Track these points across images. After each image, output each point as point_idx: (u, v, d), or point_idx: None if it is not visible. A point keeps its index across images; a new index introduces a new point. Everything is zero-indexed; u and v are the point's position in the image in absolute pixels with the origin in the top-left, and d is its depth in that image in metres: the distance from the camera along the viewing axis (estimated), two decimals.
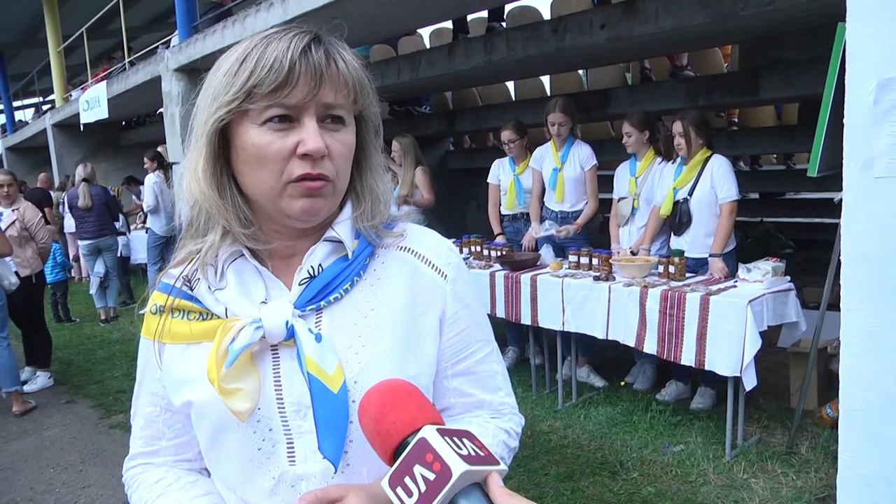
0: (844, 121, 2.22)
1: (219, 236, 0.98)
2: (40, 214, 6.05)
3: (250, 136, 0.92)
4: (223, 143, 0.96)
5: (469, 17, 7.76)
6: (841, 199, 2.28)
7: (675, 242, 4.57)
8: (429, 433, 0.73)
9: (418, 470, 0.71)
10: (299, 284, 0.99)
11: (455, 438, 0.74)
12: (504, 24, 6.91)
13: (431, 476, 0.70)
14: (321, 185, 0.93)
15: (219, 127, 0.93)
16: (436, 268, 1.06)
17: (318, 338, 0.95)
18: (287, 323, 0.94)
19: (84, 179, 8.21)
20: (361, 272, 1.02)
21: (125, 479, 1.13)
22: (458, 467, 0.69)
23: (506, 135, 5.53)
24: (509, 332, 5.65)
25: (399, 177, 6.07)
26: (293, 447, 0.96)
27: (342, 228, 1.01)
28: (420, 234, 1.10)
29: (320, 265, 1.00)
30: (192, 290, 1.00)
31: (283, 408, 0.96)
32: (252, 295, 0.98)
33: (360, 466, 0.96)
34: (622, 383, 5.02)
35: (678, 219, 4.50)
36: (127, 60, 10.99)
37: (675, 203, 4.50)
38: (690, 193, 4.41)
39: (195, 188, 0.96)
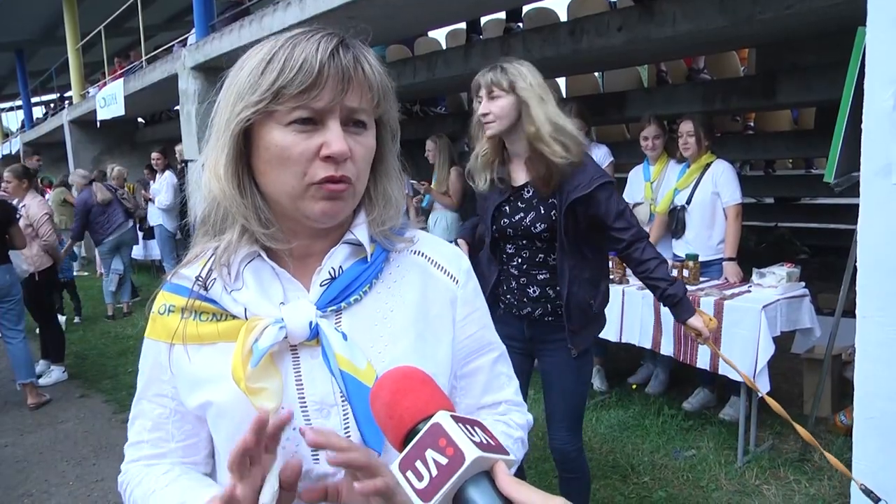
0: (862, 126, 2.20)
1: (236, 235, 0.98)
2: (45, 211, 6.08)
3: (274, 136, 0.92)
4: (245, 142, 0.95)
5: (487, 19, 7.76)
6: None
7: (675, 246, 4.59)
8: (443, 418, 0.73)
9: (430, 454, 0.71)
10: (320, 285, 1.00)
11: (468, 426, 0.74)
12: (521, 25, 6.91)
13: (444, 461, 0.70)
14: (344, 188, 0.94)
15: (244, 127, 0.93)
16: (447, 272, 1.10)
17: (345, 336, 0.97)
18: (311, 323, 0.96)
19: (92, 180, 8.20)
20: (378, 275, 1.03)
21: (124, 477, 1.10)
22: (471, 452, 0.69)
23: None
24: None
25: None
26: None
27: (360, 231, 1.02)
28: (430, 241, 1.13)
29: (340, 267, 1.01)
30: (207, 290, 0.99)
31: (306, 407, 0.97)
32: (271, 295, 0.98)
33: (392, 458, 0.98)
34: (633, 386, 5.01)
35: (674, 225, 4.54)
36: (144, 59, 11.06)
37: (673, 209, 4.53)
38: (688, 201, 4.44)
39: (215, 186, 0.96)
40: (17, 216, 5.58)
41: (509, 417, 1.14)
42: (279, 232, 0.98)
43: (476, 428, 0.75)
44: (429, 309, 1.06)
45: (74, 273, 9.34)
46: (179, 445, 1.07)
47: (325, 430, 0.87)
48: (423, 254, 1.10)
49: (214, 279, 0.99)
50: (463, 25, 7.78)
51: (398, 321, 1.02)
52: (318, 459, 0.96)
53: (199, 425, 1.05)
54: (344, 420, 0.97)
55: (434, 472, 0.70)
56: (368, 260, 1.02)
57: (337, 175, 0.92)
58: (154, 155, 9.22)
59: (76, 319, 8.40)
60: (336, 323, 0.99)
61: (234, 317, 0.98)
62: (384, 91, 0.97)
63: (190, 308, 1.00)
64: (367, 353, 0.98)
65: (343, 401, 0.96)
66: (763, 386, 3.57)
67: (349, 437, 0.96)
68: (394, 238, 1.06)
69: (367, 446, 0.92)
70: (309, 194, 0.93)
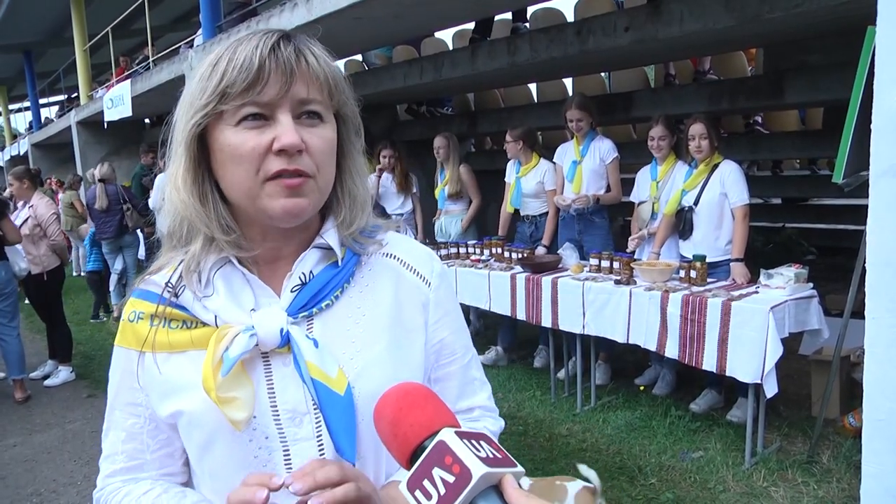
0: (871, 126, 2.19)
1: (199, 245, 0.97)
2: (52, 211, 6.09)
3: (226, 137, 0.91)
4: (202, 150, 0.95)
5: (496, 20, 7.73)
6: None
7: (682, 247, 4.58)
8: (447, 436, 0.73)
9: (437, 473, 0.71)
10: (291, 291, 0.98)
11: (473, 441, 0.73)
12: (528, 25, 6.89)
13: (451, 478, 0.70)
14: (300, 181, 0.92)
15: (196, 132, 0.93)
16: (419, 275, 1.09)
17: (316, 343, 0.95)
18: (282, 330, 0.94)
19: (100, 180, 8.16)
20: (350, 279, 1.03)
21: (101, 494, 1.06)
22: (477, 469, 0.69)
23: (514, 134, 5.69)
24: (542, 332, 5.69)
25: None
26: (289, 454, 0.96)
27: (331, 236, 1.01)
28: (402, 242, 1.12)
29: (311, 272, 1.00)
30: (177, 297, 0.98)
31: (278, 415, 0.96)
32: (241, 302, 0.97)
33: (368, 466, 0.98)
34: (640, 388, 5.00)
35: (682, 226, 4.53)
36: (151, 60, 11.10)
37: (680, 210, 4.52)
38: (696, 202, 4.43)
39: (176, 198, 0.96)
40: (10, 210, 5.63)
41: (483, 424, 1.13)
42: (241, 238, 0.97)
43: (482, 442, 0.75)
44: (401, 312, 1.04)
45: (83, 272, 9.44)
46: (156, 456, 1.04)
47: (304, 471, 0.85)
48: (394, 256, 1.08)
49: (184, 286, 0.97)
50: (470, 26, 7.76)
51: (370, 326, 1.01)
52: (290, 468, 0.95)
53: (173, 434, 1.03)
54: (316, 428, 0.96)
55: (442, 490, 0.70)
56: (339, 264, 1.01)
57: (290, 168, 0.90)
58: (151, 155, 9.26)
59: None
60: (308, 329, 0.98)
61: (204, 324, 0.97)
62: (335, 82, 0.96)
63: (160, 315, 0.98)
64: (340, 359, 0.96)
65: (315, 409, 0.95)
66: (771, 388, 3.56)
67: (321, 445, 0.96)
68: (363, 240, 1.05)
69: (340, 456, 0.91)
70: (266, 192, 0.92)
